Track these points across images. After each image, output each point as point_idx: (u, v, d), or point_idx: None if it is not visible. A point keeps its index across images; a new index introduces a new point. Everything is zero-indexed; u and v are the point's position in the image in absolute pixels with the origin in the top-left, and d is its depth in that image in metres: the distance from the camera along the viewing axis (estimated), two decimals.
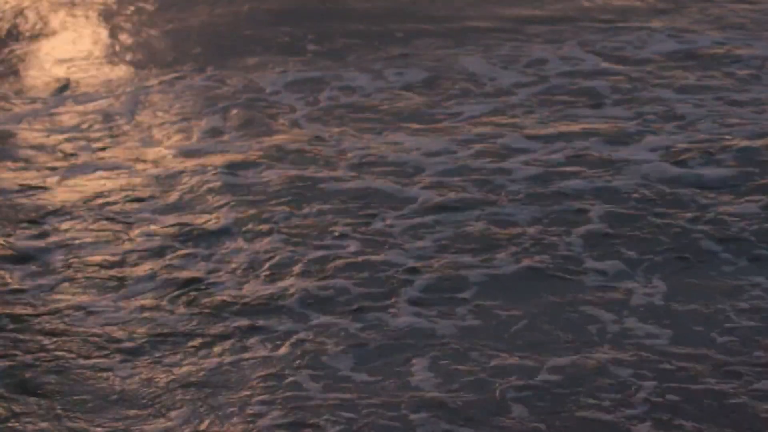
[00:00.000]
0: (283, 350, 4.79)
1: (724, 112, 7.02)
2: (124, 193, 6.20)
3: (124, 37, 8.72)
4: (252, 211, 5.96)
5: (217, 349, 4.81)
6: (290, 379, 4.62)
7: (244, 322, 5.00)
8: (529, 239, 5.64)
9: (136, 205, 6.05)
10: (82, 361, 4.73)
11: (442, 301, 5.17)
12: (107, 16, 9.22)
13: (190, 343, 4.86)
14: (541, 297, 5.15)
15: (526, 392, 4.50)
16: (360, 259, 5.47)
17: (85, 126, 7.10)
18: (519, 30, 8.69)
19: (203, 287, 5.26)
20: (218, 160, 6.55)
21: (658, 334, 4.86)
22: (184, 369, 4.69)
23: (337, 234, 5.71)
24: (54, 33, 8.86)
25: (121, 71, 8.03)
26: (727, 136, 6.66)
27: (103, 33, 8.86)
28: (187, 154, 6.69)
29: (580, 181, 6.19)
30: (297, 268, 5.41)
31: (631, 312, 5.04)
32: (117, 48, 8.52)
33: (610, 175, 6.24)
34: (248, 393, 4.53)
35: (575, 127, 6.87)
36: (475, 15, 8.97)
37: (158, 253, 5.57)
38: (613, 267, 5.39)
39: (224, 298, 5.18)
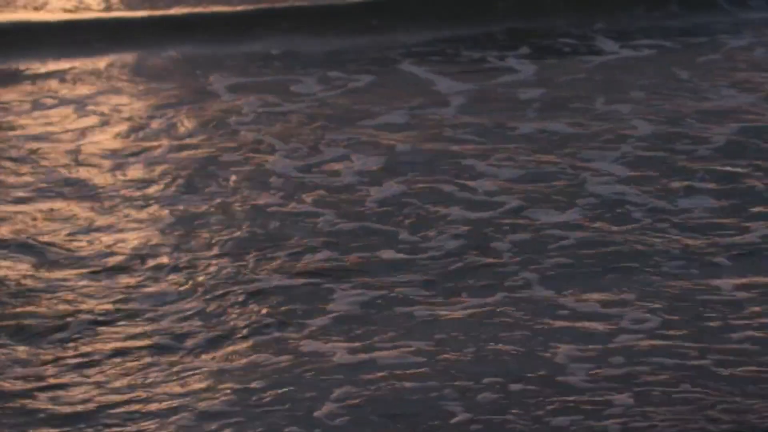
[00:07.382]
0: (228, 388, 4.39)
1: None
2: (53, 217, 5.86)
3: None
4: (180, 242, 5.56)
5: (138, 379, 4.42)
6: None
7: (169, 359, 4.59)
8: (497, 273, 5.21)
9: (52, 228, 5.72)
10: None
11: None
12: None
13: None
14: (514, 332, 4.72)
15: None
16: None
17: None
18: (466, 38, 8.62)
19: (127, 322, 4.88)
20: (150, 173, 6.30)
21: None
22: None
23: (268, 266, 5.30)
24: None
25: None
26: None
27: None
28: (118, 165, 6.43)
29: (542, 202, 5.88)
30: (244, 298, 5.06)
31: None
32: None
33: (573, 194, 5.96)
34: None
35: (520, 143, 6.63)
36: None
37: (76, 286, 5.16)
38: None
39: (147, 332, 4.79)
